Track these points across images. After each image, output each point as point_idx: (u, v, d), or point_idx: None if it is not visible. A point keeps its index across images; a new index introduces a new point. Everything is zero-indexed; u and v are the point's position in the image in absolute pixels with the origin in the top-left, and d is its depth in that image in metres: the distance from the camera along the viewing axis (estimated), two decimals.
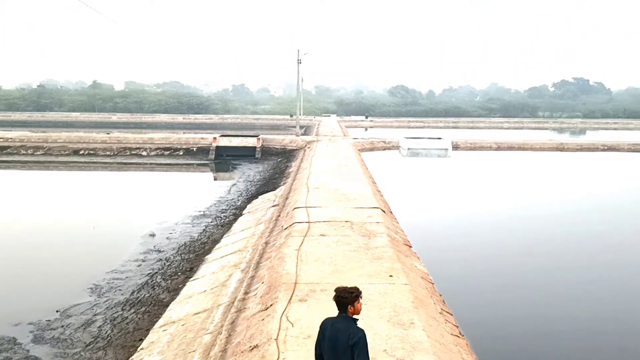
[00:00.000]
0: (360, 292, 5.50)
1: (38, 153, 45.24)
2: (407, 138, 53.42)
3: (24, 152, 45.51)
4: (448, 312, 10.77)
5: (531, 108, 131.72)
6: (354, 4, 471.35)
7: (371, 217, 16.58)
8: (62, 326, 11.34)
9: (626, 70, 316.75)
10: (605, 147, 53.51)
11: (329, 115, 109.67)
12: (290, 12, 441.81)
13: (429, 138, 54.90)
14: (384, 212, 17.96)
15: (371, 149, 48.78)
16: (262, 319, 9.27)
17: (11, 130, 57.08)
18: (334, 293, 5.51)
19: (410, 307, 9.37)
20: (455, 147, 51.87)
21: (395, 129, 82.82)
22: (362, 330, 5.34)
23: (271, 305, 9.71)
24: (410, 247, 15.08)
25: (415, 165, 44.41)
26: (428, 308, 9.92)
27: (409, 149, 50.60)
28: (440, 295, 11.71)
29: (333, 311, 5.65)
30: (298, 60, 53.91)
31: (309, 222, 15.71)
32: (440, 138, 54.82)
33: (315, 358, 5.66)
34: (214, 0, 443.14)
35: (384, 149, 50.67)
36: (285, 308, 9.33)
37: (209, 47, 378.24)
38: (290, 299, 9.77)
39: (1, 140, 47.40)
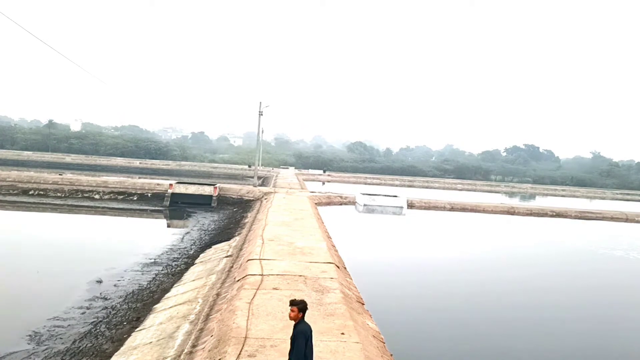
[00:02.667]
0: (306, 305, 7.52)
1: None
2: (364, 194, 54.05)
3: None
4: None
5: (484, 171, 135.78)
6: (317, 58, 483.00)
7: (325, 272, 16.55)
8: None
9: (574, 139, 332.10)
10: (554, 213, 55.36)
11: (287, 168, 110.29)
12: (253, 61, 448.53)
13: (385, 195, 55.69)
14: (338, 267, 17.96)
15: (328, 203, 49.07)
16: None
17: None
18: (293, 302, 7.41)
19: None
20: (410, 205, 52.72)
21: (353, 185, 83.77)
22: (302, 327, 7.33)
23: (219, 359, 9.49)
24: (363, 304, 15.06)
25: (371, 222, 44.78)
26: None
27: (365, 205, 51.12)
28: (391, 355, 11.67)
29: None
30: (259, 112, 54.48)
31: (262, 275, 15.56)
32: (396, 196, 55.69)
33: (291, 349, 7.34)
34: (177, 47, 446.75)
35: (341, 204, 51.05)
36: None
37: (170, 93, 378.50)
38: (240, 354, 9.57)
39: None
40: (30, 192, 44.45)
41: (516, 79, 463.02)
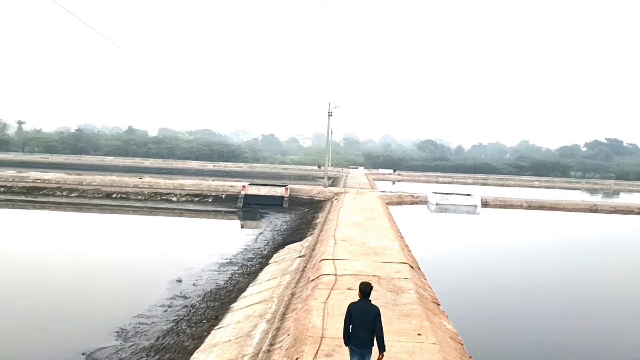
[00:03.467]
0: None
1: (73, 195, 46.27)
2: (436, 193, 53.22)
3: (59, 193, 46.60)
4: None
5: (563, 167, 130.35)
6: (387, 57, 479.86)
7: (399, 272, 16.42)
8: None
9: None
10: None
11: (357, 168, 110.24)
12: (322, 63, 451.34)
13: (458, 194, 54.59)
14: (412, 267, 17.78)
15: (399, 203, 48.66)
16: None
17: (48, 172, 58.62)
18: (360, 286, 8.20)
19: None
20: (485, 204, 51.42)
21: (423, 184, 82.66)
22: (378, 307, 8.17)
23: (297, 358, 9.61)
24: (439, 305, 14.83)
25: (444, 221, 44.03)
26: None
27: (437, 204, 50.33)
28: (470, 357, 11.43)
29: None
30: (329, 113, 54.76)
31: (335, 275, 15.62)
32: (469, 194, 54.47)
33: (344, 331, 8.12)
34: (248, 51, 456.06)
35: (412, 204, 50.49)
36: None
37: (241, 96, 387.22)
38: (317, 353, 9.66)
39: (38, 181, 48.70)
40: (113, 195, 46.68)
41: (596, 70, 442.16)
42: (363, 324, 7.89)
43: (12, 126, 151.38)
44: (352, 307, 8.04)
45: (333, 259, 17.80)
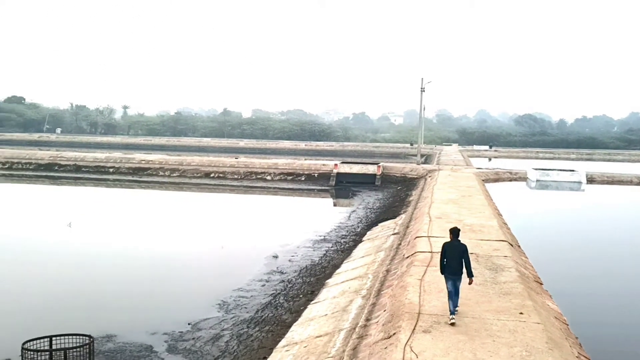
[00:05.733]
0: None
1: (174, 175, 48.63)
2: (536, 169, 50.89)
3: (162, 173, 49.13)
4: (586, 357, 9.96)
5: None
6: (478, 29, 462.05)
7: (498, 250, 15.88)
8: (193, 338, 11.94)
9: None
10: None
11: (450, 144, 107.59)
12: (413, 39, 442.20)
13: (560, 170, 51.88)
14: (511, 245, 17.14)
15: (496, 180, 47.01)
16: (385, 347, 9.14)
17: (151, 154, 61.89)
18: (451, 229, 10.16)
19: (543, 348, 8.78)
20: (590, 180, 48.52)
21: (522, 160, 79.33)
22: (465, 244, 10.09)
23: (394, 334, 9.56)
24: (542, 284, 14.21)
25: (545, 198, 42.10)
26: (563, 351, 9.23)
27: (537, 180, 48.16)
28: (577, 338, 10.87)
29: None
30: (421, 89, 53.67)
31: (431, 252, 15.35)
32: (573, 170, 51.61)
33: (440, 263, 10.05)
34: (338, 30, 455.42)
35: (510, 180, 48.63)
36: (409, 338, 9.13)
37: (332, 76, 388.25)
38: (414, 329, 9.55)
39: (143, 162, 51.58)
40: (211, 175, 48.55)
41: None
42: (455, 257, 9.84)
43: (118, 111, 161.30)
44: (445, 245, 10.10)
45: (428, 237, 17.51)
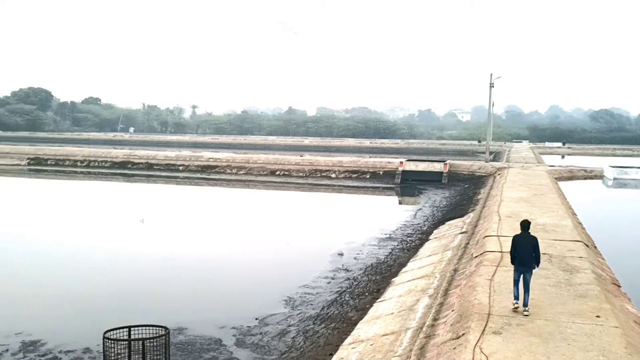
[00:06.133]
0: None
1: (241, 172, 49.61)
2: (613, 167, 48.53)
3: (229, 171, 50.23)
4: None
5: None
6: (550, 21, 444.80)
7: (572, 250, 15.24)
8: (260, 333, 12.12)
9: None
10: None
11: (521, 141, 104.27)
12: (481, 33, 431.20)
13: None
14: (587, 246, 16.42)
15: (569, 178, 45.16)
16: (454, 347, 8.95)
17: (218, 152, 63.37)
18: (521, 222, 10.66)
19: (622, 353, 8.34)
20: None
21: (597, 157, 75.89)
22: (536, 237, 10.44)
23: (463, 334, 9.35)
24: (620, 287, 13.53)
25: (623, 197, 40.12)
26: None
27: (615, 179, 45.92)
28: None
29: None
30: (490, 84, 52.27)
31: (501, 252, 14.92)
32: None
33: (511, 254, 10.45)
34: (403, 27, 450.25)
35: (585, 179, 46.60)
36: (479, 339, 8.90)
37: (397, 73, 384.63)
38: (484, 330, 9.30)
39: (211, 160, 52.91)
40: (277, 173, 49.17)
41: None
42: (525, 249, 10.15)
43: (187, 110, 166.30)
44: (516, 238, 10.49)
45: (498, 236, 17.03)
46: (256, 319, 13.07)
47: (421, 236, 23.22)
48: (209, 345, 11.43)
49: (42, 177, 50.03)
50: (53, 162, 55.37)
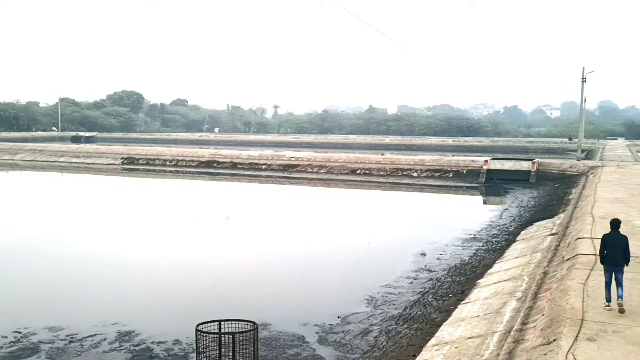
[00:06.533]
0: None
1: (322, 171, 50.00)
2: None
3: (310, 170, 50.75)
4: None
5: None
6: None
7: None
8: (342, 332, 12.16)
9: None
10: None
11: (616, 139, 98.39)
12: (570, 26, 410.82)
13: None
14: None
15: None
16: (544, 353, 8.58)
17: (299, 151, 64.21)
18: (611, 221, 10.39)
19: None
20: None
21: None
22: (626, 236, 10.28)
23: (554, 340, 8.94)
24: None
25: None
26: None
27: None
28: None
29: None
30: (582, 79, 49.73)
31: (595, 255, 14.13)
32: None
33: (600, 254, 10.34)
34: (488, 21, 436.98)
35: None
36: (572, 345, 8.48)
37: (481, 68, 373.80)
38: (577, 336, 8.86)
39: (292, 159, 53.69)
40: (358, 172, 49.15)
41: None
42: (616, 248, 9.98)
43: (269, 110, 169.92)
44: (605, 237, 10.25)
45: (591, 238, 16.16)
46: (338, 317, 13.13)
47: (508, 237, 22.47)
48: (292, 341, 11.61)
49: (134, 175, 52.78)
50: (144, 162, 58.11)
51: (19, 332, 11.87)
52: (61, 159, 61.65)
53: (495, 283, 14.92)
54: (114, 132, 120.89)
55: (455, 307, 13.45)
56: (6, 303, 14.77)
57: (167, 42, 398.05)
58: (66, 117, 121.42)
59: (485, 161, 45.66)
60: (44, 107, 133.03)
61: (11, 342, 11.42)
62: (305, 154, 56.76)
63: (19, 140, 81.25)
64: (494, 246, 20.89)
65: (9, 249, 21.48)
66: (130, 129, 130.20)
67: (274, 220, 28.00)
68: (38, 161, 61.81)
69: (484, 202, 37.94)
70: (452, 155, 57.94)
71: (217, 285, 16.36)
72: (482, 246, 21.06)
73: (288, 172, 50.64)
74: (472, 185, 43.00)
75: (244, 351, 8.12)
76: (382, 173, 48.33)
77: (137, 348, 11.15)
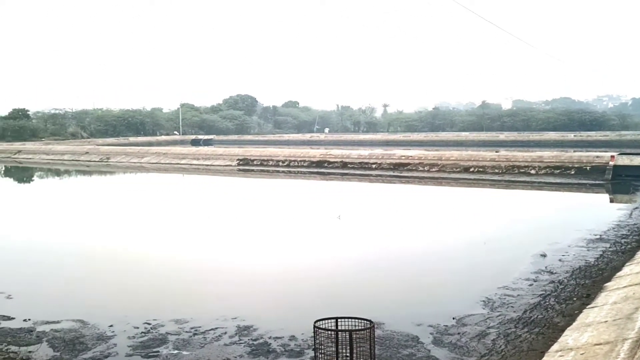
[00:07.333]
0: None
1: (433, 170, 49.12)
2: None
3: (421, 168, 50.04)
4: None
5: None
6: None
7: None
8: (458, 333, 11.90)
9: None
10: None
11: None
12: None
13: None
14: None
15: None
16: None
17: (410, 149, 63.54)
18: None
19: None
20: None
21: None
22: None
23: None
24: None
25: None
26: None
27: None
28: None
29: None
30: None
31: None
32: None
33: None
34: (609, 8, 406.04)
35: None
36: None
37: (604, 55, 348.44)
38: None
39: (403, 158, 53.22)
40: (471, 170, 47.75)
41: None
42: None
43: (379, 109, 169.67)
44: None
45: None
46: (453, 318, 12.86)
47: (638, 238, 20.84)
48: (407, 341, 11.53)
49: (249, 176, 54.93)
50: (258, 163, 60.23)
51: (149, 324, 12.72)
52: (182, 161, 65.51)
53: (625, 287, 13.89)
54: (229, 134, 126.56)
55: (580, 312, 12.69)
56: (137, 294, 15.91)
57: (277, 45, 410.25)
58: (186, 121, 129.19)
59: (612, 157, 42.50)
60: (166, 112, 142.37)
61: (142, 332, 12.27)
62: (415, 152, 56.02)
63: (145, 144, 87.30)
64: (623, 247, 19.45)
65: (140, 244, 23.16)
66: (245, 131, 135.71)
67: (386, 219, 27.93)
68: (162, 163, 66.08)
69: (611, 201, 35.40)
70: (574, 151, 54.55)
71: (332, 283, 16.60)
72: (610, 247, 19.68)
73: (398, 171, 50.28)
74: (597, 182, 40.27)
75: (360, 349, 8.20)
76: (496, 171, 46.59)
77: (255, 342, 11.60)
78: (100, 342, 11.81)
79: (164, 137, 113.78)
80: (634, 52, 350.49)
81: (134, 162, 68.73)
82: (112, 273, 18.42)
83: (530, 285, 15.59)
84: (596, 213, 28.76)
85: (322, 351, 8.31)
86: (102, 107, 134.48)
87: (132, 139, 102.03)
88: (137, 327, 12.53)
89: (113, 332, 12.35)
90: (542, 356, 10.33)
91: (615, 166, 41.44)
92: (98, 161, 71.32)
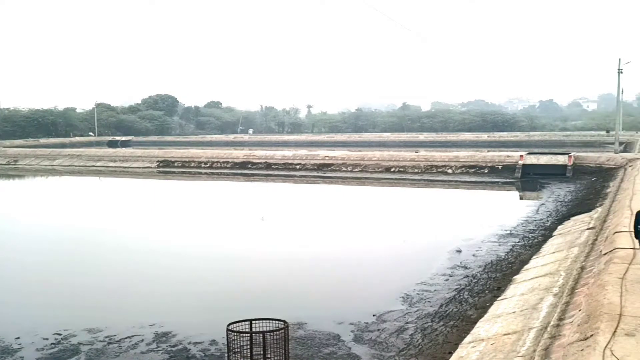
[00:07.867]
0: None
1: (356, 170, 50.03)
2: None
3: (345, 169, 50.84)
4: None
5: None
6: None
7: None
8: (378, 330, 12.27)
9: None
10: None
11: None
12: (605, 15, 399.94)
13: None
14: None
15: None
16: (581, 349, 8.53)
17: (334, 150, 64.33)
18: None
19: None
20: None
21: None
22: None
23: (591, 335, 8.88)
24: None
25: None
26: None
27: None
28: None
29: None
30: (619, 70, 48.64)
31: (634, 249, 13.91)
32: None
33: (634, 229, 11.58)
34: (520, 13, 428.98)
35: None
36: (609, 341, 8.41)
37: (515, 62, 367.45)
38: (615, 331, 8.78)
39: (327, 158, 53.85)
40: (392, 169, 49.02)
41: None
42: None
43: (303, 110, 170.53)
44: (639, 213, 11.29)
45: (630, 231, 15.84)
46: (373, 315, 13.23)
47: (544, 232, 22.21)
48: (328, 340, 11.76)
49: (170, 178, 53.71)
50: (180, 164, 58.99)
51: (60, 334, 12.22)
52: (98, 164, 63.07)
53: (531, 279, 14.81)
54: (149, 135, 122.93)
55: (492, 304, 13.41)
56: (46, 305, 15.18)
57: (199, 45, 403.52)
58: (102, 122, 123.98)
59: (521, 156, 45.01)
60: (80, 112, 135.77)
61: (52, 343, 11.78)
62: (339, 153, 56.81)
63: (58, 146, 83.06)
64: (530, 242, 20.69)
65: (49, 251, 22.09)
66: (166, 132, 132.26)
67: (308, 219, 28.23)
68: (76, 166, 63.31)
69: (520, 198, 37.48)
70: (488, 151, 57.24)
71: (252, 284, 16.63)
72: (519, 242, 20.87)
73: (322, 172, 50.82)
74: (508, 180, 42.50)
75: (276, 350, 8.25)
76: (416, 170, 48.10)
77: (174, 349, 11.44)
78: (6, 355, 11.23)
79: (78, 139, 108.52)
80: (540, 57, 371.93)
81: (45, 165, 65.48)
82: (16, 281, 17.57)
83: (447, 280, 16.28)
84: (507, 210, 30.33)
85: (237, 354, 8.23)
86: (9, 107, 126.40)
87: (42, 141, 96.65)
88: (47, 339, 12.01)
89: (20, 344, 11.77)
90: (456, 348, 10.86)
91: (524, 165, 43.89)
92: (4, 164, 67.38)
